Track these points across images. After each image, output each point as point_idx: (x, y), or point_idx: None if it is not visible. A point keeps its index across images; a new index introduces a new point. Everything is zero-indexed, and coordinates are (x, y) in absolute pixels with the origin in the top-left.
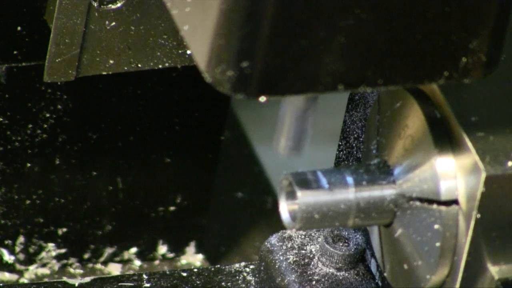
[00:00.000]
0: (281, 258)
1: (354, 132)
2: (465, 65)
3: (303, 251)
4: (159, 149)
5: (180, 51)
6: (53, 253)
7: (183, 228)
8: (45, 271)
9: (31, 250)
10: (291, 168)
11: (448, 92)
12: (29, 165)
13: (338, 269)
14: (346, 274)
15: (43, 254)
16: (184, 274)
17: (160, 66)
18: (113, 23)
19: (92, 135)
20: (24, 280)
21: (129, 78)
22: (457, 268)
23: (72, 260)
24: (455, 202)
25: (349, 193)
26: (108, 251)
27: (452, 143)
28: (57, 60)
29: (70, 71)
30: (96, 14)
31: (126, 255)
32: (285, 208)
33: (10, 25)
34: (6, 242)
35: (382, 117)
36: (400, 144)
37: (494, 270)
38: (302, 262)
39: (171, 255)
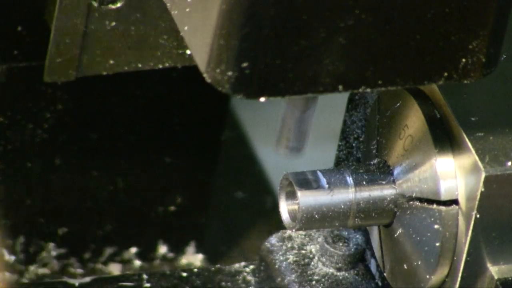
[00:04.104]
0: (281, 258)
1: (354, 132)
2: (464, 66)
3: (303, 251)
4: (159, 149)
5: (180, 51)
6: (53, 253)
7: (183, 228)
8: (46, 271)
9: (31, 250)
10: (291, 168)
11: (448, 92)
12: (29, 165)
13: (338, 269)
14: (346, 274)
15: (44, 254)
16: (184, 274)
17: (160, 66)
18: (113, 23)
19: (92, 135)
20: (24, 280)
21: (129, 78)
22: (457, 268)
23: (72, 260)
24: (455, 202)
25: (349, 193)
26: (108, 251)
27: (452, 143)
28: (57, 60)
29: (70, 71)
30: (96, 14)
31: (126, 255)
32: (285, 208)
33: (10, 25)
34: (6, 242)
35: (382, 117)
36: (400, 144)
37: (494, 270)
38: (302, 262)
39: (171, 255)
